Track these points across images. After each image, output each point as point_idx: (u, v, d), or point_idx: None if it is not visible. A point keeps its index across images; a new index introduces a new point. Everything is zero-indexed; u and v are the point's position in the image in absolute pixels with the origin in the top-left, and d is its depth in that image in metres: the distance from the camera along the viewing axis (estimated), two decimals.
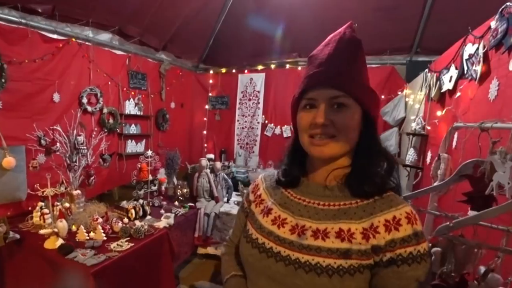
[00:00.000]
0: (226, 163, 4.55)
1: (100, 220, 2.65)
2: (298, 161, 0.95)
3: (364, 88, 0.83)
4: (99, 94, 3.64)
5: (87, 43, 3.49)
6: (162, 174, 3.65)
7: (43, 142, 2.63)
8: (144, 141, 4.38)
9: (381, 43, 4.03)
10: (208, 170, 3.57)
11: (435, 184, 1.23)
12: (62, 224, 2.42)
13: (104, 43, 3.76)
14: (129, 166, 4.02)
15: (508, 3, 1.53)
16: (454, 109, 2.20)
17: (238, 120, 5.36)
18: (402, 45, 4.11)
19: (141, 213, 3.02)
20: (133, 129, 4.16)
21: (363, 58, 0.86)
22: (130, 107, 4.12)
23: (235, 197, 3.72)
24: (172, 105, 4.96)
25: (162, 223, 2.87)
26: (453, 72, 2.31)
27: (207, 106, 5.45)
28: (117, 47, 3.94)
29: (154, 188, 3.55)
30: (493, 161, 0.92)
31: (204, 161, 3.53)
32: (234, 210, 3.42)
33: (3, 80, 2.69)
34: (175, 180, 3.73)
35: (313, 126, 0.82)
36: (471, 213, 0.93)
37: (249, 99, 5.25)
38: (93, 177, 2.91)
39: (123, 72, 4.03)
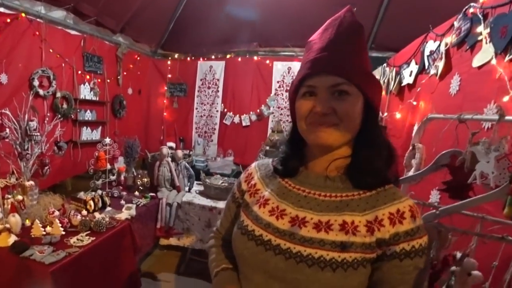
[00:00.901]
0: (186, 152, 4.51)
1: (57, 213, 2.52)
2: (296, 150, 0.92)
3: (366, 75, 0.80)
4: (52, 77, 3.41)
5: (38, 19, 3.21)
6: (121, 163, 3.53)
7: None
8: (100, 128, 4.19)
9: None
10: (169, 159, 3.51)
11: (410, 173, 1.33)
12: (15, 219, 2.27)
13: (58, 21, 3.48)
14: (84, 155, 3.83)
15: (472, 4, 1.68)
16: (415, 102, 2.38)
17: (196, 108, 5.31)
18: None
19: (100, 204, 2.92)
20: (88, 115, 3.95)
21: (364, 44, 0.85)
22: (85, 92, 3.91)
23: (196, 186, 3.71)
24: (129, 91, 4.78)
25: (124, 215, 2.80)
26: (414, 67, 2.49)
27: (165, 93, 5.31)
28: (71, 27, 3.68)
29: (113, 178, 3.43)
30: (475, 151, 0.99)
31: (165, 150, 3.47)
32: (197, 199, 3.42)
33: None
34: (134, 169, 3.63)
35: (312, 114, 0.79)
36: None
37: (208, 87, 5.22)
38: (47, 167, 2.75)
39: (77, 54, 3.80)
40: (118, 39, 4.49)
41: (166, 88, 5.29)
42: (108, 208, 2.93)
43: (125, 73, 4.61)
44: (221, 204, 3.32)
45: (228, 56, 5.06)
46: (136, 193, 3.44)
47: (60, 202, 2.72)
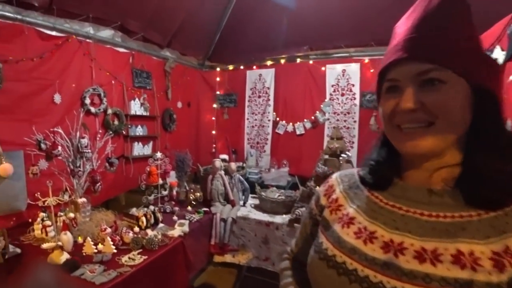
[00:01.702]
0: (239, 164, 4.30)
1: (109, 230, 2.40)
2: (389, 157, 0.74)
3: (468, 54, 0.61)
4: (102, 94, 3.42)
5: (87, 40, 3.28)
6: (172, 177, 3.40)
7: (43, 146, 2.38)
8: (151, 143, 4.14)
9: None
10: (223, 172, 3.31)
11: None
12: (67, 237, 2.18)
13: (106, 40, 3.54)
14: (136, 170, 3.81)
15: None
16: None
17: (247, 119, 5.12)
18: None
19: (152, 220, 2.77)
20: (139, 130, 3.92)
21: (467, 17, 0.64)
22: (136, 108, 3.89)
23: (251, 200, 3.46)
24: (179, 104, 4.74)
25: (176, 231, 2.62)
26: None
27: (214, 105, 5.20)
28: (119, 44, 3.71)
29: (165, 192, 3.30)
30: None
31: (218, 162, 3.28)
32: (252, 214, 3.17)
33: None
34: (186, 184, 3.47)
35: (398, 114, 0.65)
36: None
37: (259, 96, 5.02)
38: (99, 183, 2.66)
39: (126, 71, 3.81)
40: (165, 53, 4.47)
41: (215, 99, 5.16)
42: (161, 225, 2.77)
43: (173, 87, 4.56)
44: (278, 219, 3.04)
45: (277, 63, 4.82)
46: (189, 208, 3.27)
47: (112, 219, 2.62)
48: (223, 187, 3.31)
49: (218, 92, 5.20)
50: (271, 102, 4.95)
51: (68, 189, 2.55)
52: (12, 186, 2.16)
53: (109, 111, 3.51)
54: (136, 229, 2.61)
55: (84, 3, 3.06)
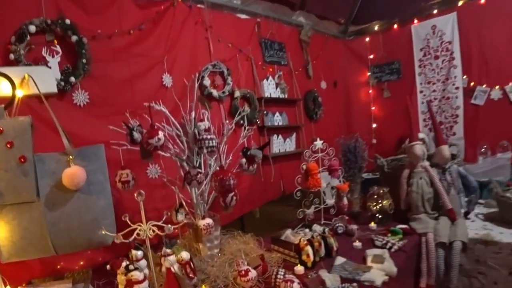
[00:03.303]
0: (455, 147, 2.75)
1: (253, 273, 1.27)
2: None
3: None
4: (225, 72, 2.48)
5: (198, 5, 2.41)
6: (336, 180, 2.14)
7: (136, 135, 1.41)
8: (293, 136, 3.01)
9: None
10: (427, 163, 1.91)
11: None
12: None
13: (222, 3, 2.59)
14: (277, 173, 2.73)
15: None
16: None
17: (421, 91, 3.56)
18: None
19: (322, 251, 1.55)
20: (277, 119, 2.84)
21: None
22: (270, 89, 2.82)
23: (478, 209, 1.92)
24: (323, 84, 3.54)
25: (377, 276, 1.31)
26: None
27: (369, 81, 3.82)
28: (240, 9, 2.76)
29: (330, 202, 2.06)
30: None
31: (419, 148, 1.92)
32: (495, 232, 1.64)
33: (84, 61, 1.66)
34: (359, 187, 2.17)
35: None
36: None
37: (435, 57, 3.44)
38: (233, 193, 1.55)
39: (253, 42, 2.84)
40: (299, 19, 3.37)
41: (369, 73, 3.79)
42: (339, 260, 1.52)
43: (314, 62, 3.37)
44: None
45: (460, 3, 3.21)
46: (372, 225, 1.94)
47: (257, 252, 1.48)
48: (431, 187, 1.88)
49: (371, 63, 3.79)
50: (458, 62, 3.30)
51: (184, 205, 1.55)
52: (89, 205, 1.23)
53: (237, 93, 2.52)
54: (299, 268, 1.43)
55: None
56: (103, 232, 1.05)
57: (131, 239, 1.03)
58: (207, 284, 1.35)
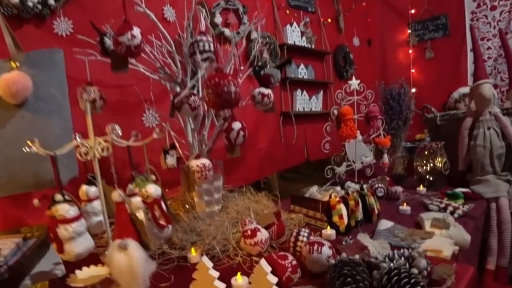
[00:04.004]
0: None
1: (263, 234, 0.90)
2: None
3: None
4: (241, 10, 2.07)
5: None
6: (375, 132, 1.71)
7: (109, 42, 1.03)
8: (320, 94, 2.58)
9: None
10: (498, 110, 1.45)
11: None
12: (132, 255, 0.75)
13: None
14: (300, 135, 2.35)
15: None
16: None
17: (471, 50, 3.02)
18: None
19: (360, 214, 1.14)
20: (302, 71, 2.42)
21: None
22: (294, 37, 2.39)
23: None
24: (355, 41, 3.06)
25: (444, 244, 0.90)
26: None
27: (409, 40, 3.31)
28: None
29: (367, 160, 1.63)
30: None
31: (488, 88, 1.46)
32: None
33: None
34: (402, 143, 1.73)
35: None
36: None
37: (492, 7, 2.90)
38: (240, 128, 1.13)
39: None
40: None
41: (409, 31, 3.28)
42: (385, 222, 1.11)
43: (346, 14, 2.91)
44: None
45: None
46: (421, 188, 1.51)
47: (270, 208, 1.10)
48: (503, 140, 1.43)
49: (412, 20, 3.27)
50: None
51: (175, 145, 1.19)
52: (38, 127, 0.87)
53: (254, 35, 2.10)
54: (329, 232, 1.04)
55: None
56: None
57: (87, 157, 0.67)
58: (198, 248, 0.97)
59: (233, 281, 0.81)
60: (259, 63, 1.19)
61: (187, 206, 1.20)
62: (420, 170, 1.59)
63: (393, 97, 1.68)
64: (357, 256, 0.72)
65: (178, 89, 1.18)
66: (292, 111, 2.31)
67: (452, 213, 1.21)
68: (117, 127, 0.71)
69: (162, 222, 0.76)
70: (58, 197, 0.62)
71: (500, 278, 1.35)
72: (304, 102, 2.43)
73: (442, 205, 1.27)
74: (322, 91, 2.60)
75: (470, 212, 1.24)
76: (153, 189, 0.74)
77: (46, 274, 1.04)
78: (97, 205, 0.81)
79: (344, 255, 0.73)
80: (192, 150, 1.20)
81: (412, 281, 0.63)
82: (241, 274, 0.82)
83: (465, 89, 2.19)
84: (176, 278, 0.90)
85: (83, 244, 0.63)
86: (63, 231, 0.60)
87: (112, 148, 0.74)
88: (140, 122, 1.63)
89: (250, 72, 1.28)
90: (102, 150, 0.70)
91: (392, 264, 0.69)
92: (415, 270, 0.67)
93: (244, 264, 0.93)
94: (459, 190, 1.42)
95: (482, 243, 1.37)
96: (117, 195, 0.73)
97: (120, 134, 0.72)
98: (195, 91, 1.14)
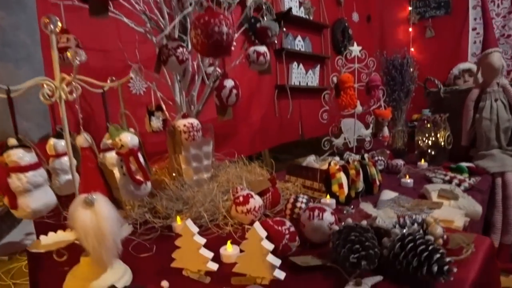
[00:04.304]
0: None
1: (256, 201, 0.80)
2: None
3: None
4: None
5: None
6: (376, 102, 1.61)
7: None
8: (317, 69, 2.47)
9: None
10: (506, 82, 1.37)
11: None
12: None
13: None
14: (295, 109, 2.24)
15: None
16: None
17: (474, 28, 2.95)
18: None
19: (360, 184, 1.06)
20: (299, 43, 2.30)
21: None
22: (292, 4, 2.27)
23: None
24: (355, 16, 2.94)
25: (455, 214, 0.82)
26: None
27: (409, 18, 3.21)
28: None
29: (366, 132, 1.54)
30: None
31: (497, 57, 1.35)
32: None
33: None
34: (403, 118, 1.64)
35: None
36: None
37: None
38: (233, 87, 1.01)
39: None
40: None
41: (410, 8, 3.17)
42: (388, 193, 1.03)
43: None
44: None
45: None
46: (422, 163, 1.43)
47: (265, 176, 1.01)
48: (510, 114, 1.35)
49: None
50: None
51: (161, 107, 1.08)
52: (4, 77, 0.76)
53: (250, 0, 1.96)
54: (329, 201, 0.95)
55: None
56: None
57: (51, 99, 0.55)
58: (184, 216, 0.87)
59: (222, 250, 0.72)
60: (253, 17, 1.07)
61: (174, 174, 1.10)
62: (421, 145, 1.51)
63: (395, 67, 1.58)
64: (364, 222, 0.63)
65: (164, 41, 1.06)
66: (287, 84, 2.20)
67: (458, 185, 1.13)
68: (82, 54, 0.60)
69: (139, 177, 0.65)
70: (12, 141, 0.51)
71: (502, 256, 1.28)
72: (300, 76, 2.32)
73: (447, 178, 1.19)
74: (319, 66, 2.49)
75: (476, 185, 1.16)
76: (129, 138, 0.63)
77: (16, 245, 0.94)
78: (67, 161, 0.70)
79: (349, 220, 0.64)
80: (179, 110, 1.09)
81: (430, 248, 0.54)
82: (232, 243, 0.73)
83: (465, 65, 2.10)
84: (159, 248, 0.80)
85: (41, 199, 0.52)
86: (15, 181, 0.49)
87: (82, 93, 0.63)
88: (127, 89, 1.52)
89: (245, 27, 1.16)
90: (71, 93, 0.58)
91: (405, 231, 0.60)
92: (430, 237, 0.58)
93: (235, 233, 0.84)
94: (465, 164, 1.34)
95: (485, 220, 1.30)
96: (82, 139, 0.62)
97: None
98: (184, 44, 1.02)
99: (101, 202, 0.52)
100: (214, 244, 0.72)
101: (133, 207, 0.99)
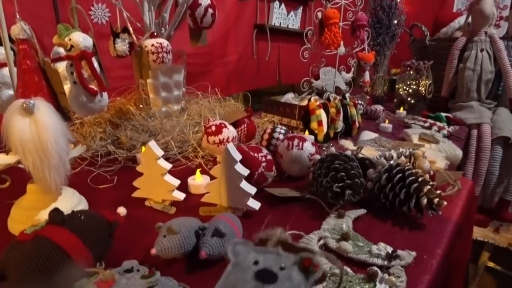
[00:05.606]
0: None
1: (230, 132, 0.73)
2: None
3: None
4: None
5: None
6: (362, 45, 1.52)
7: None
8: (300, 10, 2.33)
9: None
10: (494, 31, 1.31)
11: None
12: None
13: None
14: (274, 51, 2.14)
15: None
16: None
17: None
18: None
19: (340, 124, 1.00)
20: None
21: None
22: None
23: None
24: None
25: (437, 156, 0.78)
26: None
27: None
28: None
29: (347, 76, 1.47)
30: None
31: (489, 4, 1.27)
32: None
33: None
34: (385, 63, 1.57)
35: None
36: None
37: None
38: (208, 5, 0.90)
39: None
40: None
41: None
42: (368, 133, 0.99)
43: None
44: None
45: None
46: (401, 110, 1.40)
47: (240, 111, 0.92)
48: (493, 66, 1.31)
49: None
50: None
51: (128, 29, 0.94)
52: None
53: None
54: (308, 137, 0.88)
55: None
56: None
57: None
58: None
59: (190, 180, 0.65)
60: None
61: (141, 106, 0.99)
62: (401, 93, 1.46)
63: (383, 8, 1.48)
64: (348, 152, 0.57)
65: None
66: (267, 24, 2.06)
67: (437, 132, 1.10)
68: None
69: (92, 86, 0.54)
70: None
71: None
72: (281, 17, 2.17)
73: (427, 124, 1.16)
74: (301, 8, 2.34)
75: (455, 133, 1.14)
76: (81, 38, 0.52)
77: None
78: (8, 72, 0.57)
79: (332, 149, 0.58)
80: (147, 25, 0.96)
81: (420, 179, 0.50)
82: (201, 173, 0.66)
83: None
84: (120, 180, 0.73)
85: None
86: None
87: None
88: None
89: None
90: None
91: (392, 162, 0.55)
92: (419, 170, 0.54)
93: (205, 166, 0.77)
94: (444, 114, 1.31)
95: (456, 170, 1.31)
96: (18, 28, 0.49)
97: None
98: None
99: (43, 108, 0.42)
100: (182, 176, 0.65)
101: (94, 137, 0.89)
